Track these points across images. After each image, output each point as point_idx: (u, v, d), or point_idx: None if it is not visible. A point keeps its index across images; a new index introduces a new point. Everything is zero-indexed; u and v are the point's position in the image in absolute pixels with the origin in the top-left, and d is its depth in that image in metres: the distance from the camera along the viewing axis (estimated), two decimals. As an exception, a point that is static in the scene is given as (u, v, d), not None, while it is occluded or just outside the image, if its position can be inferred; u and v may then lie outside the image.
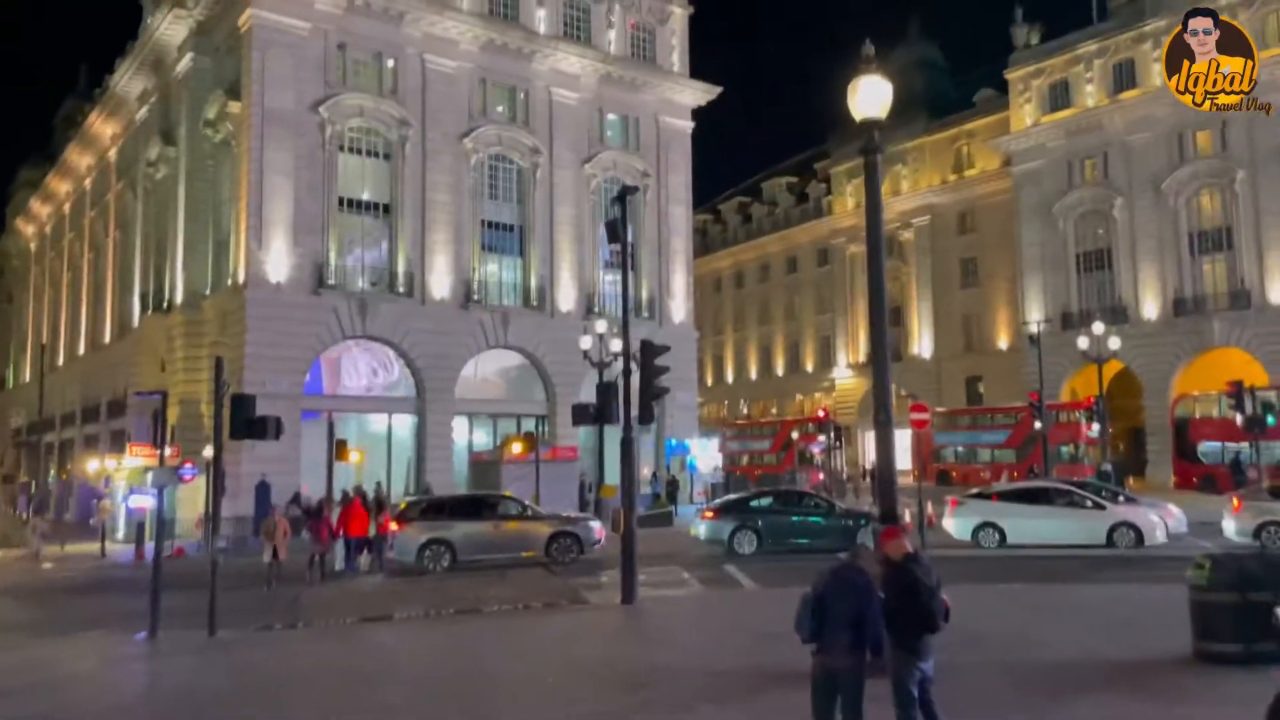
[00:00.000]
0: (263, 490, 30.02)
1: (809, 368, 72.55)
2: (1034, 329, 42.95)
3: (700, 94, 45.66)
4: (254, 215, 33.97)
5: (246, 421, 14.64)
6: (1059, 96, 53.54)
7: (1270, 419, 29.92)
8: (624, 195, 15.76)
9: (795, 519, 22.99)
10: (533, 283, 40.07)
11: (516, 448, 31.12)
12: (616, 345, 29.29)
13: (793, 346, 74.39)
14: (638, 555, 15.43)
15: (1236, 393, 28.24)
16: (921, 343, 63.65)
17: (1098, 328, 37.33)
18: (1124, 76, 50.61)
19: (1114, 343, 37.84)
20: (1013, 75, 55.71)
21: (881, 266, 10.87)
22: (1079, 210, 52.56)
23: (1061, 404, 45.16)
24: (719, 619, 13.83)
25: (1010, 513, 21.65)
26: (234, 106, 36.06)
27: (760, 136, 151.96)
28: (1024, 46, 55.60)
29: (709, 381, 76.74)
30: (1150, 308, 48.98)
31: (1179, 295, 47.85)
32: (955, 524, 21.97)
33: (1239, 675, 9.53)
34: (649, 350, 14.95)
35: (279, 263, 34.13)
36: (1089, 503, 21.34)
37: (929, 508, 23.74)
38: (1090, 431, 40.66)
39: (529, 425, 38.75)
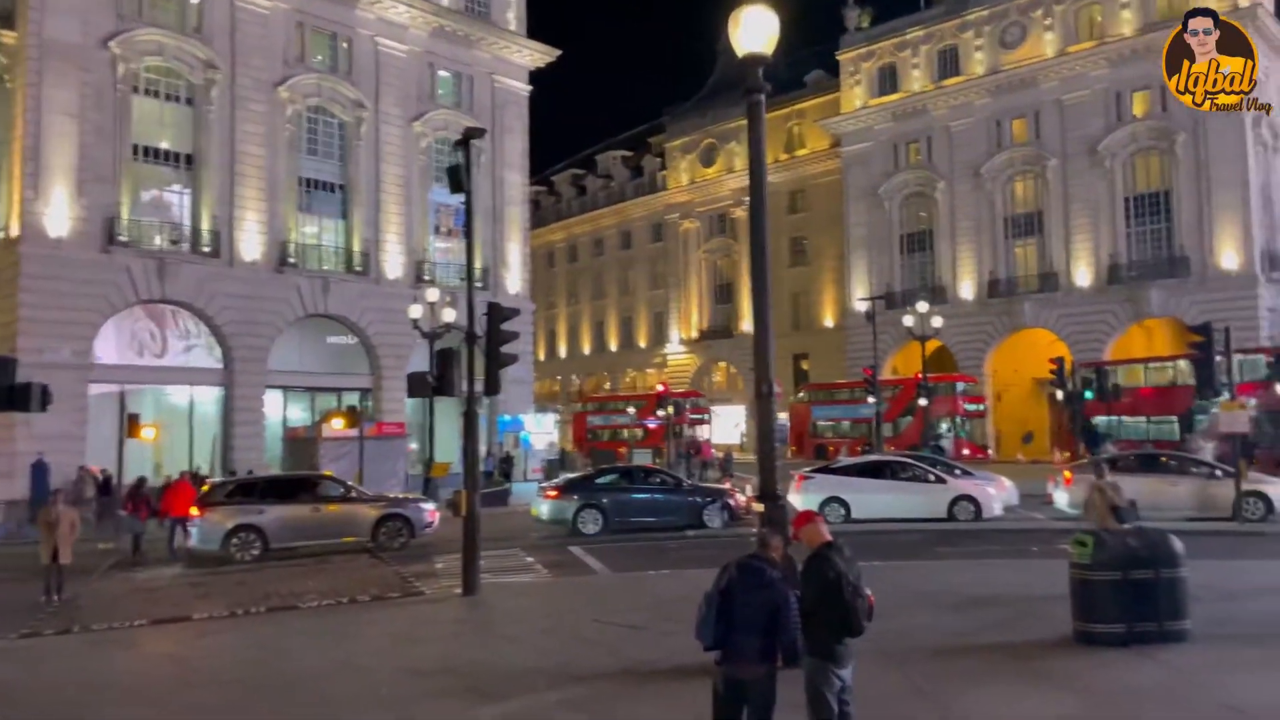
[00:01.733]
0: (39, 471, 26.43)
1: (642, 343, 72.26)
2: (864, 307, 43.83)
3: (538, 56, 43.82)
4: (30, 160, 29.78)
5: (6, 390, 12.12)
6: (887, 80, 54.98)
7: (1088, 394, 31.41)
8: (468, 139, 14.04)
9: (642, 496, 22.02)
10: (356, 247, 37.31)
11: (337, 423, 28.73)
12: (449, 316, 27.58)
13: (626, 322, 73.89)
14: (479, 539, 13.94)
15: (1058, 370, 29.41)
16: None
17: (922, 306, 38.38)
18: (948, 63, 52.44)
19: (936, 321, 39.08)
20: (844, 57, 56.79)
21: (764, 219, 9.81)
22: (904, 192, 54.25)
23: (941, 376, 45.54)
24: (572, 610, 12.55)
25: (855, 487, 21.46)
26: (8, 36, 31.50)
27: (595, 107, 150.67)
28: (855, 29, 56.75)
29: (541, 356, 75.22)
30: (967, 288, 51.14)
31: (994, 277, 50.17)
32: (801, 500, 21.53)
33: (1125, 658, 9.12)
34: (497, 314, 13.41)
35: (60, 215, 30.09)
36: (931, 477, 21.43)
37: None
38: (970, 405, 41.62)
39: (351, 400, 36.16)
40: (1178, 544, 9.95)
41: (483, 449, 35.66)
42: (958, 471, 22.92)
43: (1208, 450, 25.57)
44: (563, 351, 78.44)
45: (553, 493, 21.82)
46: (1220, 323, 21.62)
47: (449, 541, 18.56)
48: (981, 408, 47.77)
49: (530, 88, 43.94)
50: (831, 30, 57.90)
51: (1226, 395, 19.21)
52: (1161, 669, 8.78)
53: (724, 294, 66.99)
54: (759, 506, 9.50)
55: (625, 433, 51.83)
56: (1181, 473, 20.43)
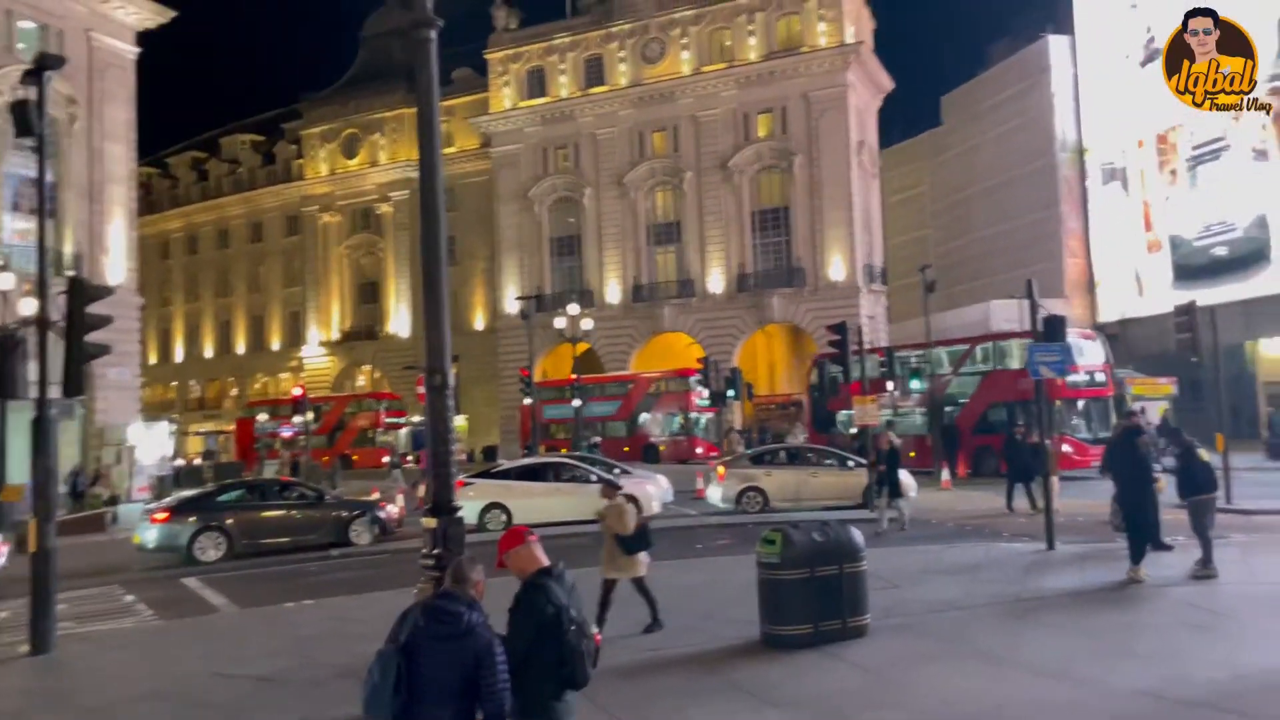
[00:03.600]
0: None
1: (275, 345, 66.49)
2: (517, 308, 43.22)
3: (147, 15, 38.20)
4: None
5: None
6: (536, 83, 54.97)
7: (732, 392, 32.95)
8: (42, 68, 10.90)
9: (275, 513, 19.28)
10: (-102, 221, 30.01)
11: None
12: (32, 307, 22.68)
13: (257, 321, 67.62)
14: (55, 581, 10.92)
15: (705, 370, 30.51)
16: (399, 320, 61.60)
17: (573, 309, 38.51)
18: (594, 72, 53.46)
19: (586, 324, 39.42)
20: (492, 56, 55.99)
21: (438, 178, 8.25)
22: (553, 196, 54.54)
23: (670, 371, 44.82)
24: (185, 662, 10.07)
25: (518, 492, 20.37)
26: None
27: (222, 87, 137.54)
28: (504, 29, 56.14)
29: (153, 359, 66.64)
30: (613, 292, 52.42)
31: (637, 282, 51.86)
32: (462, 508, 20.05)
33: (817, 660, 8.72)
34: (80, 292, 10.49)
35: None
36: (593, 477, 20.83)
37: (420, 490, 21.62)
38: (701, 399, 40.71)
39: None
40: (858, 536, 9.82)
41: (70, 465, 30.13)
42: (617, 471, 22.60)
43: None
44: (180, 354, 70.12)
45: (162, 515, 18.39)
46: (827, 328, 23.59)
47: (22, 584, 14.79)
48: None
49: (138, 49, 38.21)
50: (480, 28, 56.89)
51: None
52: (856, 672, 8.43)
53: (368, 293, 63.40)
54: (430, 522, 7.91)
55: (302, 440, 47.15)
56: (819, 464, 21.59)
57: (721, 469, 21.84)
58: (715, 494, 21.55)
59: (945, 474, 26.08)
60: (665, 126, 51.77)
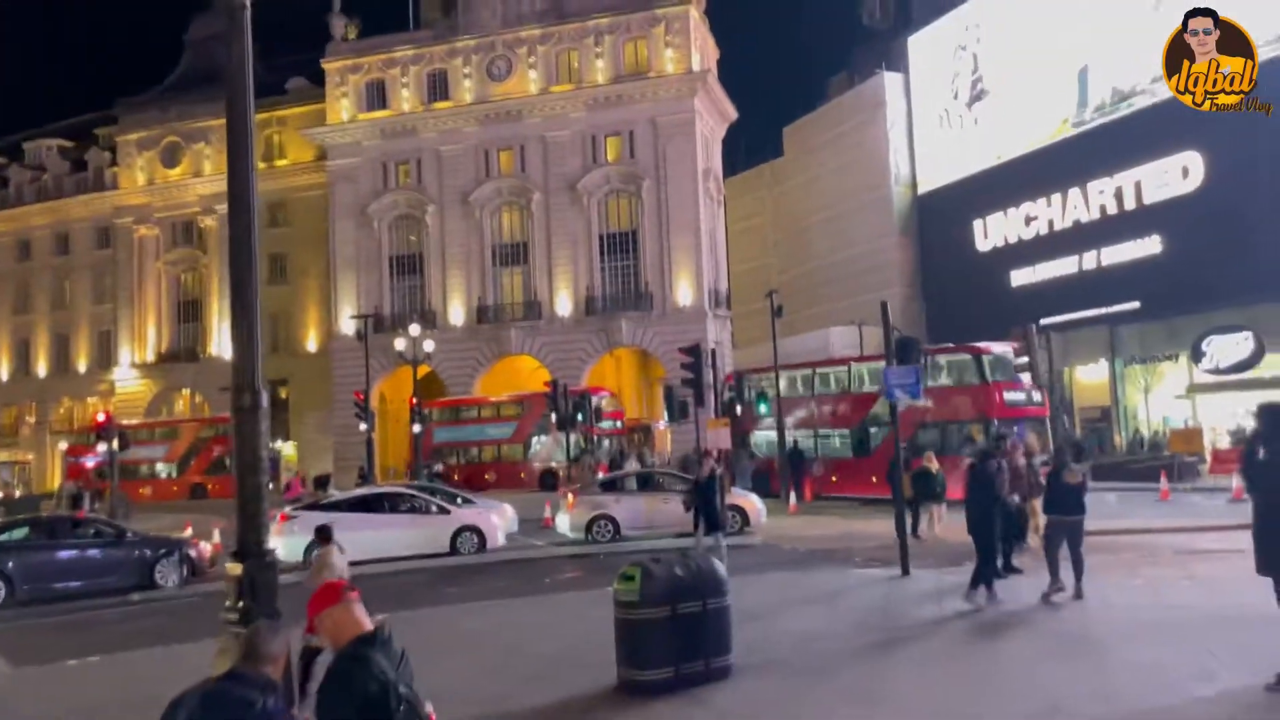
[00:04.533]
0: None
1: (82, 367, 61.16)
2: (353, 328, 41.18)
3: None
4: None
5: None
6: (376, 96, 52.99)
7: (580, 416, 32.08)
8: None
9: (67, 554, 17.07)
10: None
11: None
12: None
13: (61, 341, 62.07)
14: None
15: (553, 393, 29.52)
16: (222, 342, 57.73)
17: (415, 329, 37.00)
18: (438, 87, 51.98)
19: (429, 345, 37.91)
20: (330, 66, 53.66)
21: (250, 168, 7.10)
22: (394, 213, 52.56)
23: (582, 389, 42.63)
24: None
25: (348, 525, 18.71)
26: None
27: (26, 88, 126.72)
28: (342, 39, 53.92)
29: (-64, 382, 60.21)
30: (457, 314, 50.85)
31: (483, 303, 50.48)
32: (283, 545, 18.34)
33: (676, 706, 7.98)
34: None
35: None
36: (433, 508, 19.60)
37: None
38: (605, 422, 38.19)
39: None
40: (722, 569, 9.17)
41: None
42: (459, 500, 21.40)
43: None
44: (-32, 377, 63.57)
45: (-74, 560, 15.94)
46: (675, 353, 23.09)
47: None
48: (620, 424, 43.02)
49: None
50: (317, 37, 54.39)
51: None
52: (709, 713, 7.72)
53: (189, 312, 59.17)
54: (235, 568, 6.68)
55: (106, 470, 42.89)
56: (670, 490, 21.01)
57: (571, 496, 20.96)
58: (564, 523, 20.64)
59: (793, 498, 26.09)
60: (512, 145, 50.81)
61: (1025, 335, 18.48)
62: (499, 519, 20.29)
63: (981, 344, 26.14)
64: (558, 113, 49.80)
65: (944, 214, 50.23)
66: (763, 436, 31.03)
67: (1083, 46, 42.45)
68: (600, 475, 25.85)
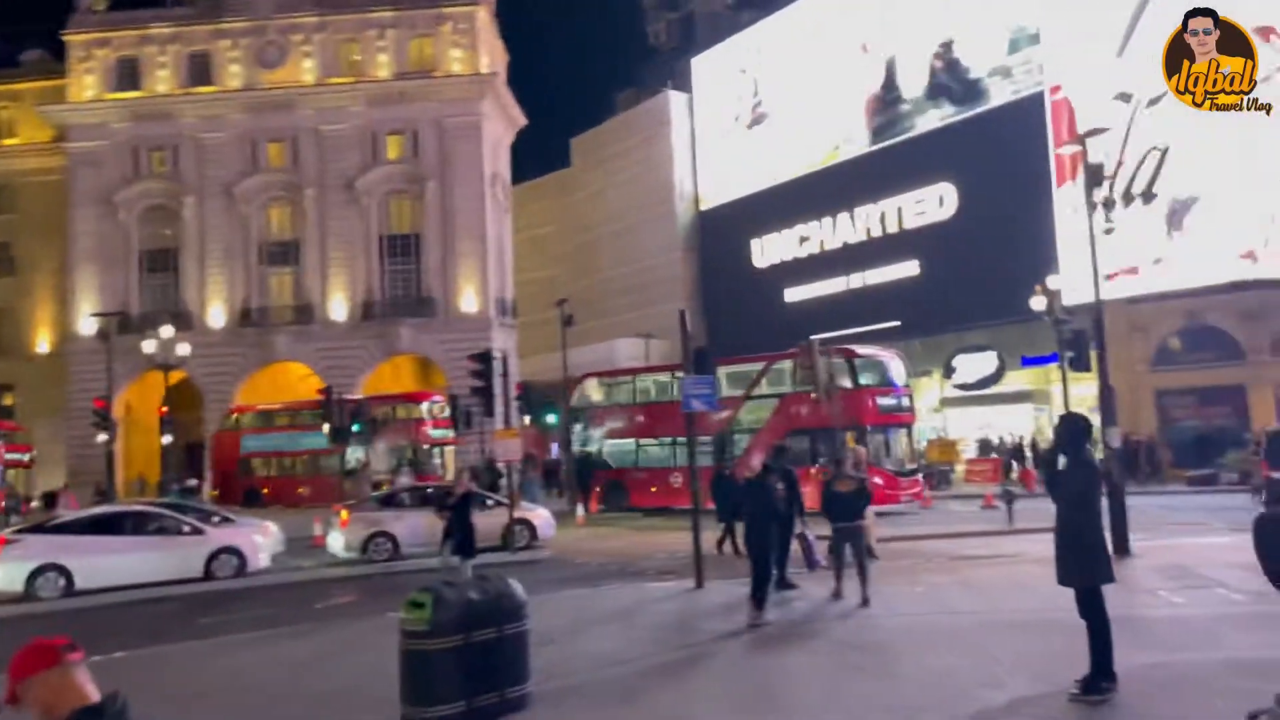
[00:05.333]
0: None
1: None
2: (94, 327, 37.00)
3: None
4: None
5: None
6: (127, 74, 48.28)
7: (357, 426, 30.11)
8: None
9: None
10: None
11: None
12: None
13: None
14: None
15: (326, 400, 27.41)
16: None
17: (167, 331, 33.77)
18: (200, 69, 48.07)
19: (184, 349, 34.65)
20: (73, 39, 48.40)
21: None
22: (145, 203, 47.99)
23: (395, 395, 39.01)
24: None
25: (83, 548, 16.42)
26: None
27: None
28: (89, 9, 48.77)
29: None
30: (217, 315, 47.04)
31: (247, 305, 46.93)
32: (2, 571, 15.89)
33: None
34: None
35: None
36: (185, 528, 17.52)
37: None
38: (436, 431, 34.52)
39: None
40: (520, 590, 8.42)
41: None
42: (216, 519, 19.31)
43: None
44: None
45: None
46: (460, 361, 21.85)
47: None
48: (453, 433, 37.19)
49: None
50: (58, 6, 48.91)
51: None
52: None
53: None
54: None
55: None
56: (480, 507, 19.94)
57: (345, 513, 19.43)
58: (337, 541, 19.10)
59: (580, 510, 25.65)
60: (284, 137, 47.65)
61: (808, 349, 18.90)
62: (262, 538, 18.46)
63: (852, 346, 25.56)
64: (335, 105, 47.22)
65: (725, 231, 51.83)
66: (614, 446, 29.16)
67: (855, 76, 45.11)
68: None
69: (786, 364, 24.82)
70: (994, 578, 13.43)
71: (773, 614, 11.02)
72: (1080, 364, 19.19)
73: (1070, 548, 6.86)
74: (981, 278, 36.40)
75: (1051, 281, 30.85)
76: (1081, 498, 6.80)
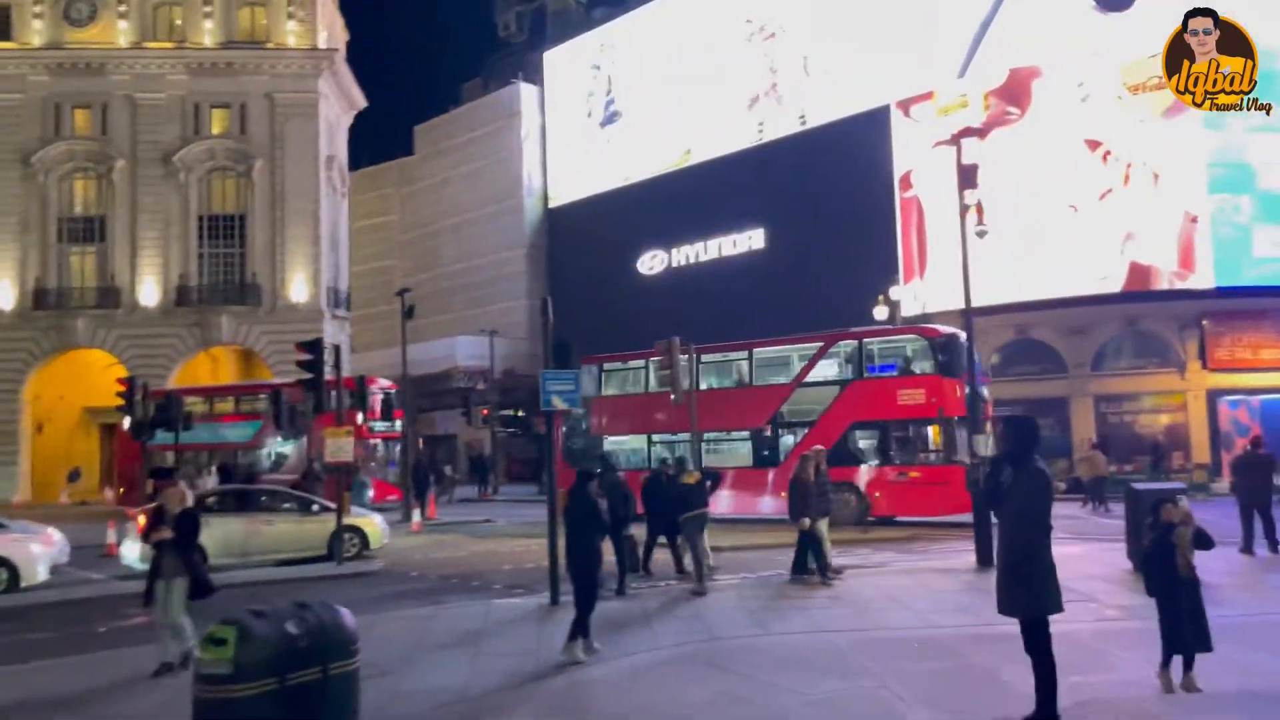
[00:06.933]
0: None
1: None
2: None
3: None
4: None
5: None
6: (-94, 21, 42.59)
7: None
8: None
9: None
10: None
11: None
12: None
13: None
14: None
15: (128, 393, 24.43)
16: None
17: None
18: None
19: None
20: None
21: None
22: (-78, 167, 42.41)
23: (340, 380, 33.02)
24: None
25: None
26: None
27: None
28: None
29: None
30: (5, 296, 42.12)
31: (41, 285, 42.24)
32: None
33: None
34: None
35: None
36: (-57, 537, 14.83)
37: None
38: (375, 423, 29.71)
39: None
40: (350, 620, 6.95)
41: None
42: (-14, 525, 16.55)
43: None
44: None
45: None
46: (287, 355, 19.72)
47: None
48: (400, 426, 32.19)
49: None
50: None
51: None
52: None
53: None
54: None
55: None
56: (276, 510, 17.95)
57: (143, 519, 17.04)
58: (133, 551, 16.69)
59: (416, 516, 23.94)
60: (91, 103, 43.21)
61: (668, 348, 18.03)
62: (40, 548, 15.91)
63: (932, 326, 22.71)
64: (152, 72, 43.17)
65: (574, 229, 50.71)
66: (616, 443, 25.52)
67: (708, 79, 45.00)
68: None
69: (850, 345, 21.92)
70: (857, 590, 12.84)
71: (580, 651, 9.50)
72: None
73: (1015, 572, 6.01)
74: (790, 307, 36.06)
75: (894, 291, 31.43)
76: (1031, 514, 5.95)
